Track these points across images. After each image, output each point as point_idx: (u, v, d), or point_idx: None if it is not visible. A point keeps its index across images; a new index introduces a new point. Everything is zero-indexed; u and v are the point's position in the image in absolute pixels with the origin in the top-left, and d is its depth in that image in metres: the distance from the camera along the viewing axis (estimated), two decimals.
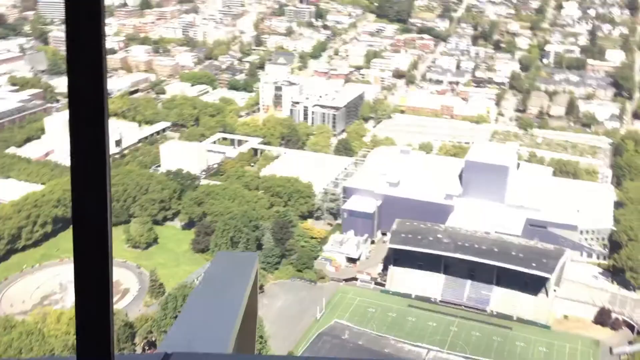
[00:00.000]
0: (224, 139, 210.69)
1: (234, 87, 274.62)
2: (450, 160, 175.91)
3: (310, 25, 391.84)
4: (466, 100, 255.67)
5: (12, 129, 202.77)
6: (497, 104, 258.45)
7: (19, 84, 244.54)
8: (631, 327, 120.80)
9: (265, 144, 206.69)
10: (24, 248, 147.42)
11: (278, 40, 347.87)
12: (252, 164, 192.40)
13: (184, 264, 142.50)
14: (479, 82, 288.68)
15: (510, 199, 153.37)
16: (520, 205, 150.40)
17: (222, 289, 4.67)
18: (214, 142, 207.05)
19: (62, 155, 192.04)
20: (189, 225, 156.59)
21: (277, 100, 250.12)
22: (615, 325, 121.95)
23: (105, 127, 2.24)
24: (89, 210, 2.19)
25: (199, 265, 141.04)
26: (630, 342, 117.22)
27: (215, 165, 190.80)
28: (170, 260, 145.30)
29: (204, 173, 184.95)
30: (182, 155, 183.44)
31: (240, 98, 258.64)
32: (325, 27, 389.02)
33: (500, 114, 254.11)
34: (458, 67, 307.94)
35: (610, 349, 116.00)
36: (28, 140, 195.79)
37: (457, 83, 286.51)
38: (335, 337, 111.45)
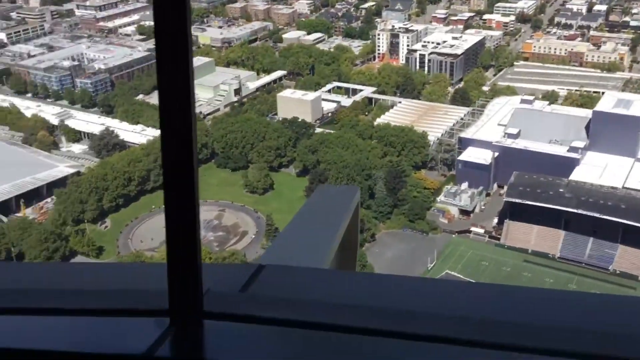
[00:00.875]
0: (339, 87, 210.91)
1: (349, 34, 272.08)
2: (578, 110, 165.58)
3: None
4: (598, 46, 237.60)
5: (141, 77, 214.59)
6: (632, 50, 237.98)
7: (147, 33, 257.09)
8: None
9: (380, 93, 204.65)
10: (152, 190, 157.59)
11: None
12: (366, 113, 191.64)
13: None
14: (613, 27, 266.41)
15: None
16: None
17: (322, 214, 4.75)
18: (329, 91, 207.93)
19: None
20: (303, 173, 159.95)
21: (393, 48, 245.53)
22: None
23: (191, 84, 2.27)
24: (178, 162, 2.27)
25: None
26: None
27: (330, 114, 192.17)
28: (285, 205, 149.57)
29: (318, 122, 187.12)
30: (298, 104, 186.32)
31: (356, 46, 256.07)
32: None
33: (635, 61, 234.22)
34: (590, 10, 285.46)
35: None
36: (155, 88, 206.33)
37: (588, 27, 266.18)
38: None
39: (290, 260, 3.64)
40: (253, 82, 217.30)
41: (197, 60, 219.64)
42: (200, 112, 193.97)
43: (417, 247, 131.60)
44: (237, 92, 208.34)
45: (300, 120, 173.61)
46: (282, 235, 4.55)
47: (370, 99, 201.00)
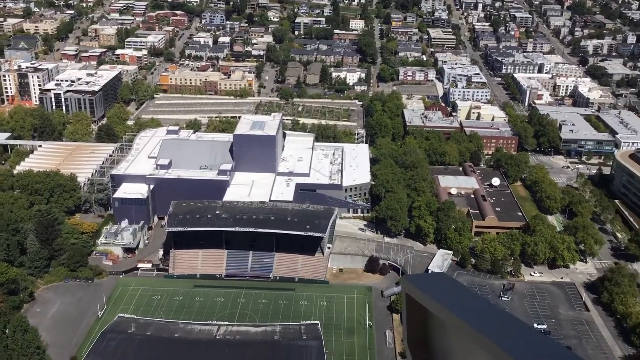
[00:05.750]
0: None
1: None
2: (221, 135, 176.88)
3: (51, 4, 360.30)
4: (228, 75, 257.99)
5: None
6: (257, 76, 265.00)
7: None
8: (396, 270, 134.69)
9: (15, 138, 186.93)
10: None
11: (16, 23, 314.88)
12: (2, 162, 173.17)
13: None
14: (238, 56, 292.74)
15: (280, 168, 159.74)
16: (290, 172, 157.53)
17: None
18: None
19: None
20: None
21: (23, 89, 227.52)
22: (383, 270, 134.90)
23: None
24: None
25: None
26: (397, 284, 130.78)
27: None
28: None
29: None
30: None
31: None
32: (68, 6, 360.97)
33: (262, 86, 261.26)
34: (216, 42, 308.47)
35: (382, 292, 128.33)
36: None
37: (217, 58, 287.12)
38: (120, 333, 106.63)
39: None
40: None
41: None
42: None
43: (84, 296, 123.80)
44: None
45: None
46: None
47: (5, 146, 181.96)
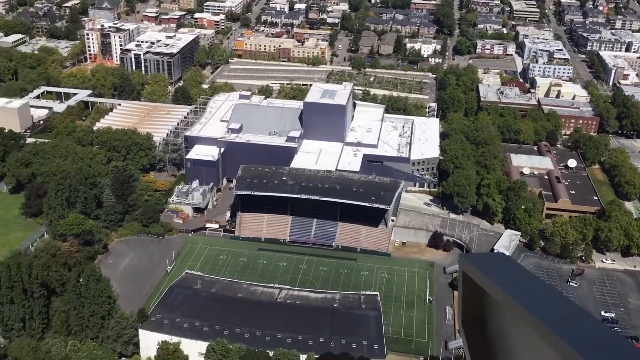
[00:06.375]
0: (49, 92, 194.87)
1: (54, 35, 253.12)
2: (291, 102, 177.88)
3: None
4: (302, 42, 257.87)
5: None
6: (331, 45, 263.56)
7: None
8: (461, 247, 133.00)
9: (96, 95, 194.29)
10: None
11: None
12: (83, 118, 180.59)
13: (16, 231, 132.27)
14: (313, 24, 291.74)
15: (348, 138, 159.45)
16: (358, 142, 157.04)
17: None
18: (38, 97, 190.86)
19: None
20: (17, 189, 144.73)
21: (105, 48, 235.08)
22: (447, 247, 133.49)
23: None
24: None
25: (32, 230, 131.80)
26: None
27: (42, 122, 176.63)
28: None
29: (29, 131, 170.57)
30: (2, 113, 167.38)
31: (63, 47, 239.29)
32: None
33: (335, 54, 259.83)
34: (292, 8, 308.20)
35: (444, 269, 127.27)
36: None
37: (291, 25, 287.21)
38: (187, 289, 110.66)
39: None
40: None
41: None
42: None
43: (155, 251, 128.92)
44: None
45: (7, 130, 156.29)
46: None
47: (86, 103, 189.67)
